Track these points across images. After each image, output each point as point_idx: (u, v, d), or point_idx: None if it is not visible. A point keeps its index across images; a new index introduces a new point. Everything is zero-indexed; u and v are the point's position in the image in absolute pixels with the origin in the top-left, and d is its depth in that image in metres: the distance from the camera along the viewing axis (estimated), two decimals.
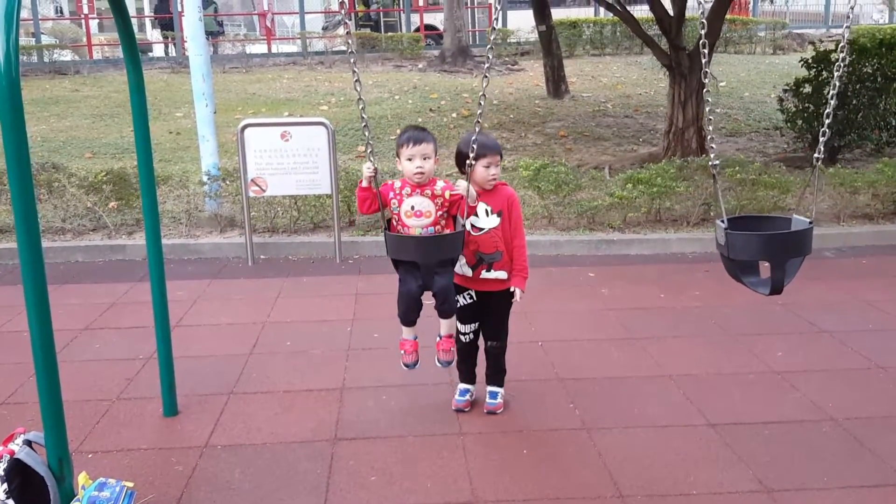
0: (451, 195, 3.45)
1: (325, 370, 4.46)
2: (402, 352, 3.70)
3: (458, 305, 3.72)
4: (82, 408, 4.00)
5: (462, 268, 3.68)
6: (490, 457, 3.50)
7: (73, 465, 2.86)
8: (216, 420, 3.88)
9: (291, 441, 3.66)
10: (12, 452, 2.78)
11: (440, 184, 3.46)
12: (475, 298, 3.76)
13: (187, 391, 4.12)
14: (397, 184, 3.46)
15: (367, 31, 22.12)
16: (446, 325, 3.68)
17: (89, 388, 4.25)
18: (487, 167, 3.56)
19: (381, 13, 24.49)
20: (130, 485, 2.94)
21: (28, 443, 2.84)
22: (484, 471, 3.39)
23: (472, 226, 3.62)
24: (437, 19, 22.10)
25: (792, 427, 3.73)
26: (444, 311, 3.58)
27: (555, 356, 4.61)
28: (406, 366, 3.71)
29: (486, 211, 3.63)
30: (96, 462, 3.49)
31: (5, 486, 2.71)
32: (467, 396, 3.95)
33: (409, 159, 3.38)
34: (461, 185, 3.45)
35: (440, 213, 3.44)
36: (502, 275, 3.69)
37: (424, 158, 3.38)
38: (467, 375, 3.97)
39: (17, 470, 2.76)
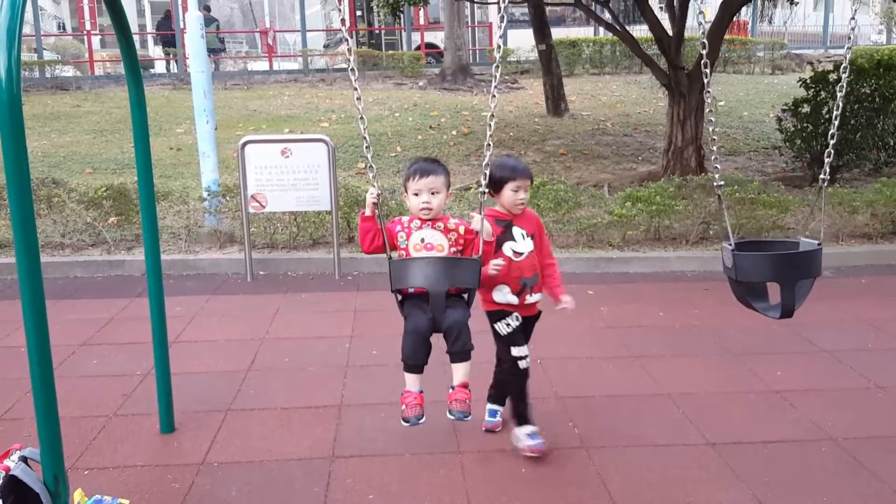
0: (465, 231, 3.15)
1: (323, 387, 4.44)
2: (403, 406, 3.13)
3: (510, 329, 3.48)
4: (79, 424, 3.99)
5: (506, 297, 3.46)
6: (488, 475, 3.48)
7: (69, 482, 2.84)
8: (213, 437, 3.86)
9: (289, 459, 3.64)
10: (8, 469, 2.76)
11: (453, 220, 3.19)
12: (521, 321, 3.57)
13: (184, 408, 4.10)
14: (405, 218, 3.20)
15: (368, 49, 22.24)
16: (461, 372, 3.13)
17: (86, 404, 4.24)
18: (516, 191, 3.38)
19: (383, 31, 24.64)
20: (126, 502, 2.93)
21: (24, 459, 2.82)
22: (482, 489, 3.37)
23: (514, 251, 3.42)
24: (437, 38, 22.23)
25: (791, 447, 3.71)
26: (457, 352, 3.08)
27: (553, 374, 4.59)
28: (405, 421, 3.12)
29: (522, 235, 3.47)
30: (92, 479, 3.46)
31: (0, 502, 2.69)
32: (497, 417, 3.84)
33: (416, 194, 3.10)
34: (475, 221, 3.11)
35: (454, 249, 3.13)
36: (539, 297, 3.59)
37: (432, 193, 3.09)
38: (500, 398, 3.79)
39: (13, 486, 2.74)
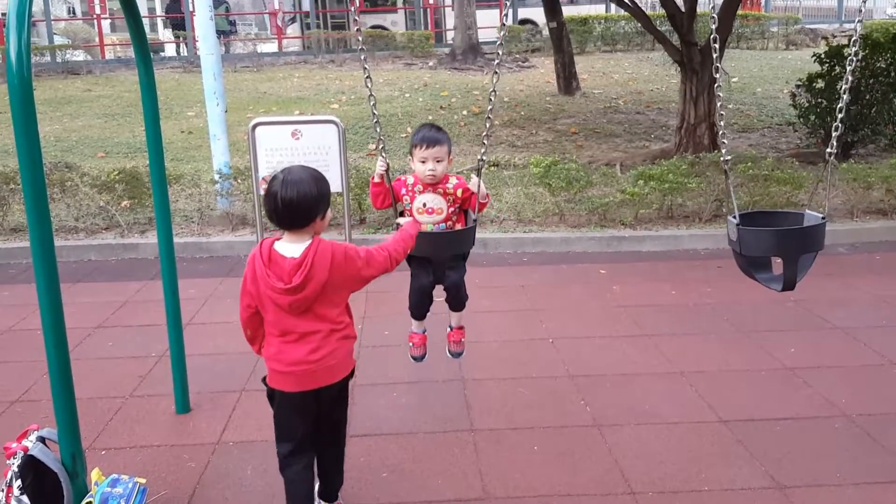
0: (463, 192, 3.42)
1: None
2: (411, 344, 3.81)
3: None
4: (95, 405, 4.03)
5: None
6: (501, 453, 3.50)
7: (86, 462, 2.89)
8: (228, 417, 3.90)
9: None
10: (26, 449, 2.80)
11: (453, 181, 3.44)
12: None
13: (199, 388, 4.15)
14: (409, 180, 3.44)
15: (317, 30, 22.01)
16: (456, 317, 3.78)
17: (102, 386, 4.28)
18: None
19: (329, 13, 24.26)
20: (143, 481, 2.96)
21: (42, 439, 2.87)
22: (495, 467, 3.39)
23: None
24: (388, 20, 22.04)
25: (804, 423, 3.71)
26: (456, 304, 3.67)
27: (566, 353, 4.60)
28: (414, 358, 3.81)
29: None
30: (109, 458, 3.51)
31: (19, 482, 2.73)
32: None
33: (423, 161, 3.34)
34: (473, 182, 3.40)
35: (452, 209, 3.43)
36: None
37: (437, 161, 3.34)
38: None
39: (31, 466, 2.79)
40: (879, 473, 3.27)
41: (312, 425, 2.82)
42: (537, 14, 21.22)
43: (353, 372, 2.84)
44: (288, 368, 2.66)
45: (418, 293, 3.54)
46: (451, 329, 3.81)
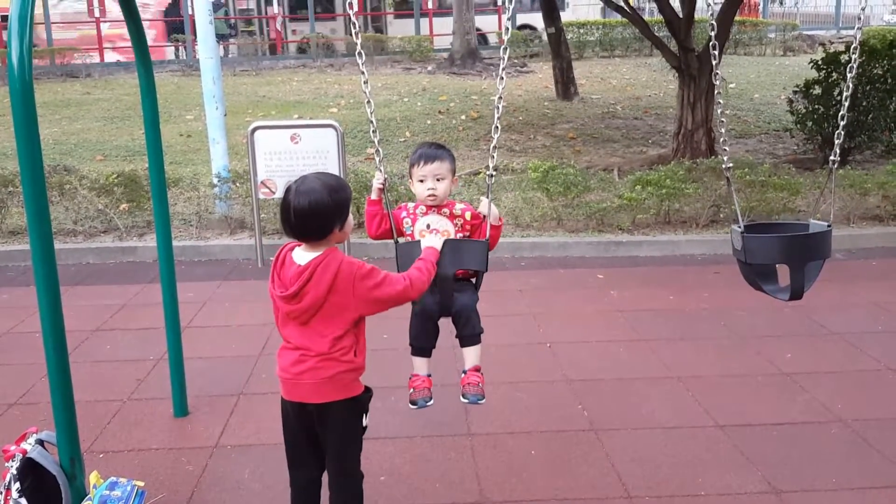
0: (472, 216, 3.01)
1: None
2: (412, 389, 3.08)
3: None
4: (94, 408, 4.04)
5: None
6: (498, 457, 3.51)
7: (84, 465, 2.89)
8: (226, 420, 3.91)
9: None
10: (25, 451, 2.80)
11: (460, 205, 3.05)
12: None
13: (197, 392, 4.15)
14: (411, 204, 3.08)
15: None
16: (472, 356, 3.07)
17: (101, 389, 4.29)
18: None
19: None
20: (141, 484, 2.96)
21: (40, 442, 2.87)
22: (492, 471, 3.40)
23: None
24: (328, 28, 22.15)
25: (801, 428, 3.72)
26: (467, 336, 3.03)
27: (563, 357, 4.61)
28: (413, 403, 3.05)
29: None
30: (108, 461, 3.52)
31: (18, 484, 2.73)
32: None
33: (421, 180, 2.95)
34: (483, 205, 3.00)
35: (460, 235, 3.01)
36: None
37: (437, 179, 2.94)
38: None
39: (30, 469, 2.79)
40: (875, 478, 3.28)
41: (309, 443, 2.68)
42: (537, 19, 21.29)
43: (354, 404, 2.59)
44: (278, 372, 2.63)
45: (420, 318, 3.00)
46: (466, 372, 3.08)
